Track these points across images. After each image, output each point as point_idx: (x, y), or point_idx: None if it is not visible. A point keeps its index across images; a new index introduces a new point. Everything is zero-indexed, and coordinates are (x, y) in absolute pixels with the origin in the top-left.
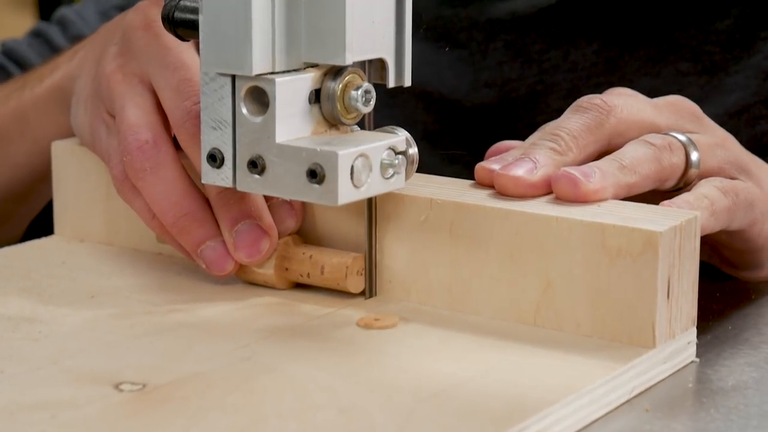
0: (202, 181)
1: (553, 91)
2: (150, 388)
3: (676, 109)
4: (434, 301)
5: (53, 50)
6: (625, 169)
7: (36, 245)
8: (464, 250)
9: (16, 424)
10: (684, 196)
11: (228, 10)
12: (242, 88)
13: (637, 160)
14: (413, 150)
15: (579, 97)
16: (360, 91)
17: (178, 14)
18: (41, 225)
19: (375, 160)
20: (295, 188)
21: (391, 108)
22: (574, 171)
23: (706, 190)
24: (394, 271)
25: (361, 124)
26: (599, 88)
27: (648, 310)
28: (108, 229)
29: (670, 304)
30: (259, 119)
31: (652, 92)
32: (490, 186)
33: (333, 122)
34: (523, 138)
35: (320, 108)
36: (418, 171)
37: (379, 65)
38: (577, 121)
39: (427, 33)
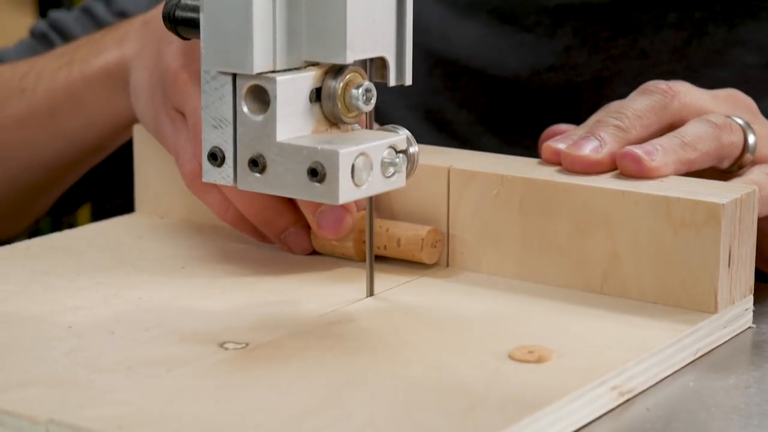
0: (203, 180)
1: (619, 78)
2: (253, 347)
3: (733, 101)
4: (504, 271)
5: (98, 26)
6: (686, 146)
7: (120, 221)
8: (533, 223)
9: (134, 376)
10: (734, 181)
11: (229, 8)
12: (243, 87)
13: (697, 137)
14: (414, 149)
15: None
16: (361, 90)
17: (179, 13)
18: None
19: (376, 159)
20: (295, 187)
21: (452, 91)
22: (637, 149)
23: (755, 176)
24: (466, 243)
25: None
26: (665, 77)
27: (710, 278)
28: (187, 207)
29: (730, 273)
30: (260, 118)
31: (716, 83)
32: (555, 164)
33: (334, 121)
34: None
35: (321, 107)
36: (479, 150)
37: (379, 64)
38: (642, 102)
39: (489, 17)
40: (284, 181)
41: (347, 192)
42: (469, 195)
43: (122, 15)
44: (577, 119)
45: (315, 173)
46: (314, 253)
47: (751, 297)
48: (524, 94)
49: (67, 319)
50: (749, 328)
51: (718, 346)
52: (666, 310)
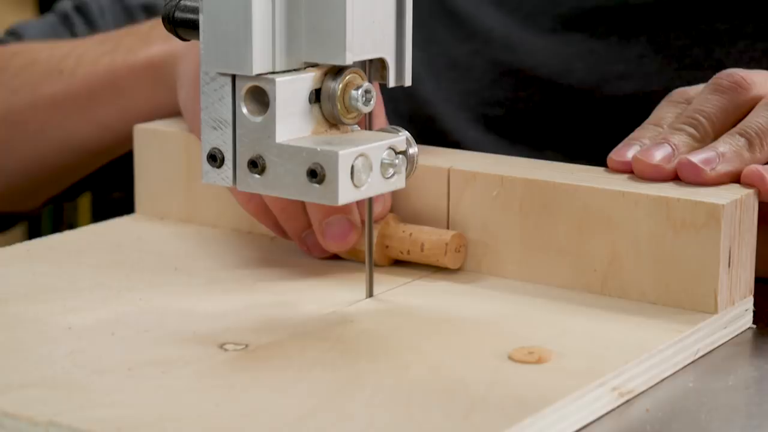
0: (203, 181)
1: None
2: (253, 348)
3: None
4: (504, 272)
5: (127, 13)
6: (753, 145)
7: (120, 223)
8: (533, 224)
9: (134, 378)
10: None
11: (228, 9)
12: (242, 88)
13: (764, 130)
14: (413, 150)
15: None
16: (360, 91)
17: (178, 14)
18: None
19: (375, 160)
20: (295, 188)
21: (516, 102)
22: (696, 158)
23: None
24: (467, 244)
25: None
26: None
27: (711, 279)
28: (187, 208)
29: (730, 273)
30: (259, 119)
31: None
32: (624, 172)
33: (333, 122)
34: None
35: (320, 108)
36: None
37: (379, 65)
38: (715, 104)
39: (555, 24)
40: (283, 182)
41: (347, 193)
42: (470, 196)
43: (149, 7)
44: None
45: (314, 174)
46: (334, 256)
47: (751, 298)
48: (591, 103)
49: (67, 321)
50: (749, 328)
51: (718, 347)
52: (666, 311)
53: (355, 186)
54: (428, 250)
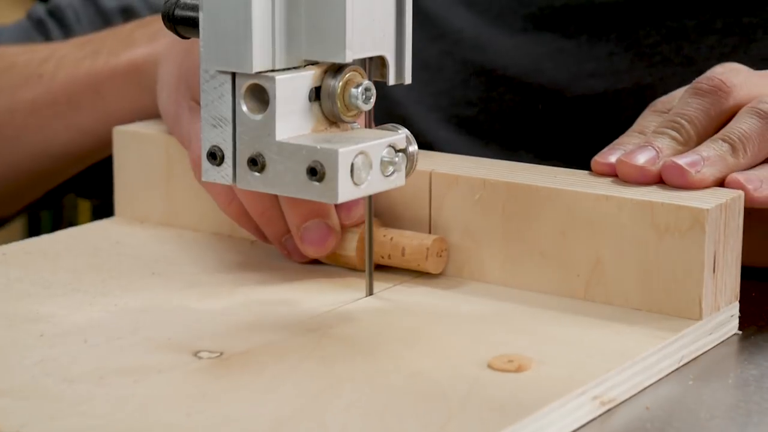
0: (202, 179)
1: (661, 84)
2: (227, 356)
3: None
4: (487, 277)
5: (102, 17)
6: (736, 150)
7: (99, 226)
8: (516, 228)
9: (104, 387)
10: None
11: (228, 7)
12: (242, 86)
13: (747, 137)
14: (413, 148)
15: None
16: (360, 89)
17: (178, 12)
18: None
19: (375, 158)
20: (295, 186)
21: (488, 102)
22: (681, 161)
23: None
24: (448, 248)
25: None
26: None
27: (695, 284)
28: (167, 211)
29: (715, 279)
30: (259, 117)
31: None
32: (608, 175)
33: (333, 120)
34: (625, 130)
35: (320, 106)
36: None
37: (379, 63)
38: (697, 107)
39: (525, 23)
40: (283, 180)
41: (346, 191)
42: (452, 199)
43: (127, 10)
44: (617, 127)
45: (314, 172)
46: (315, 261)
47: (737, 303)
48: (562, 102)
49: (40, 328)
50: (735, 334)
51: (702, 354)
52: (650, 317)
53: (355, 184)
54: (409, 255)
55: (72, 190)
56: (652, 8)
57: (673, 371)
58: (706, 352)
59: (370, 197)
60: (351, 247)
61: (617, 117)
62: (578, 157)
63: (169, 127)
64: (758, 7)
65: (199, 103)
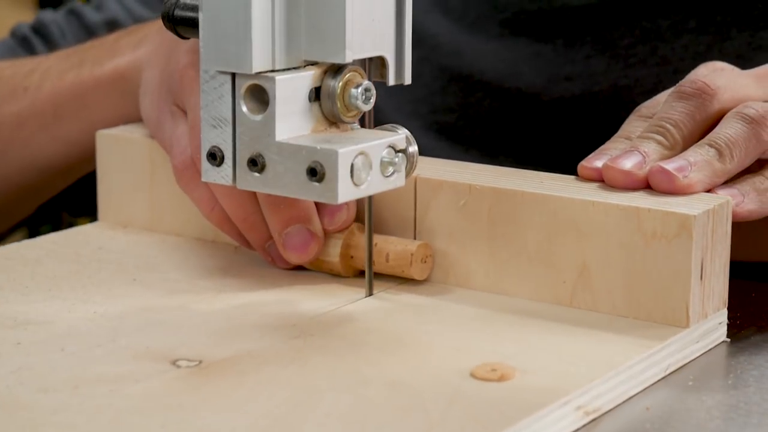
0: (202, 179)
1: (638, 86)
2: (206, 364)
3: None
4: (472, 283)
5: (87, 30)
6: (723, 156)
7: (82, 231)
8: (502, 234)
9: (79, 397)
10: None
11: (228, 8)
12: (242, 86)
13: (733, 142)
14: (413, 148)
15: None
16: (360, 89)
17: (178, 12)
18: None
19: (375, 159)
20: (295, 186)
21: (466, 107)
22: (669, 165)
23: None
24: (434, 254)
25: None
26: None
27: (682, 291)
28: (151, 216)
29: (703, 285)
30: (259, 117)
31: None
32: (595, 180)
33: (333, 120)
34: (604, 133)
35: (320, 106)
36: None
37: (379, 63)
38: (681, 111)
39: (501, 29)
40: (283, 180)
41: (346, 191)
42: (437, 205)
43: (112, 23)
44: (595, 129)
45: (314, 173)
46: (300, 267)
47: (725, 311)
48: (540, 106)
49: (17, 336)
50: (723, 342)
51: (690, 362)
52: (636, 325)
53: (355, 184)
54: (393, 261)
55: (65, 209)
56: (626, 10)
57: (660, 379)
58: (704, 353)
59: (370, 197)
60: (335, 252)
61: (595, 119)
62: (558, 161)
63: (151, 132)
64: (731, 5)
65: (180, 108)
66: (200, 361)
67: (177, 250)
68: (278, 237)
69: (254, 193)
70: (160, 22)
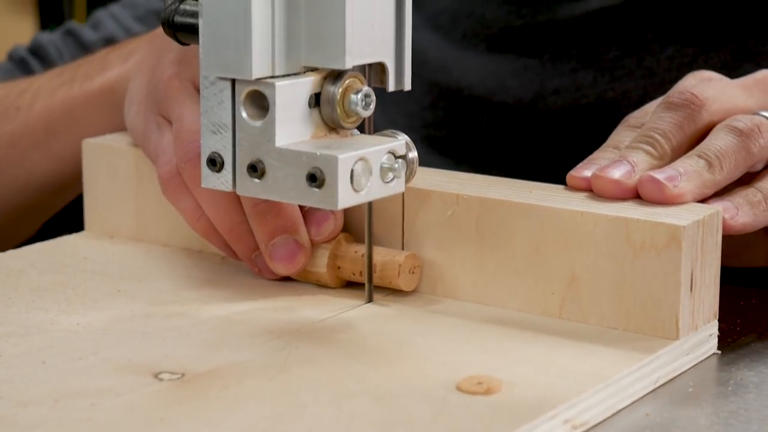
0: (202, 185)
1: (624, 98)
2: (189, 377)
3: (765, 86)
4: (460, 294)
5: (84, 50)
6: (712, 167)
7: (67, 241)
8: (490, 245)
9: (59, 411)
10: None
11: (228, 14)
12: (242, 92)
13: (723, 154)
14: (413, 154)
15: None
16: (360, 95)
17: (177, 18)
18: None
19: (375, 164)
20: (294, 192)
21: (456, 122)
22: (659, 175)
23: None
24: (421, 265)
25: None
26: None
27: (672, 303)
28: (137, 226)
29: (693, 297)
30: (258, 123)
31: None
32: (583, 190)
33: (333, 126)
34: (592, 145)
35: (320, 112)
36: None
37: (379, 69)
38: (670, 121)
39: (489, 45)
40: (283, 186)
41: (346, 197)
42: (424, 215)
43: (109, 41)
44: (583, 142)
45: (314, 179)
46: (285, 278)
47: (716, 322)
48: (528, 119)
49: None
50: (714, 354)
51: (680, 374)
52: (625, 337)
53: (355, 190)
54: (381, 272)
55: (66, 229)
56: (611, 23)
57: (649, 392)
58: (705, 359)
59: (370, 203)
60: (322, 263)
61: (583, 132)
62: (548, 173)
63: (137, 142)
64: (715, 16)
65: (165, 118)
66: (183, 374)
67: (163, 260)
68: (265, 248)
69: (240, 204)
70: (150, 34)
